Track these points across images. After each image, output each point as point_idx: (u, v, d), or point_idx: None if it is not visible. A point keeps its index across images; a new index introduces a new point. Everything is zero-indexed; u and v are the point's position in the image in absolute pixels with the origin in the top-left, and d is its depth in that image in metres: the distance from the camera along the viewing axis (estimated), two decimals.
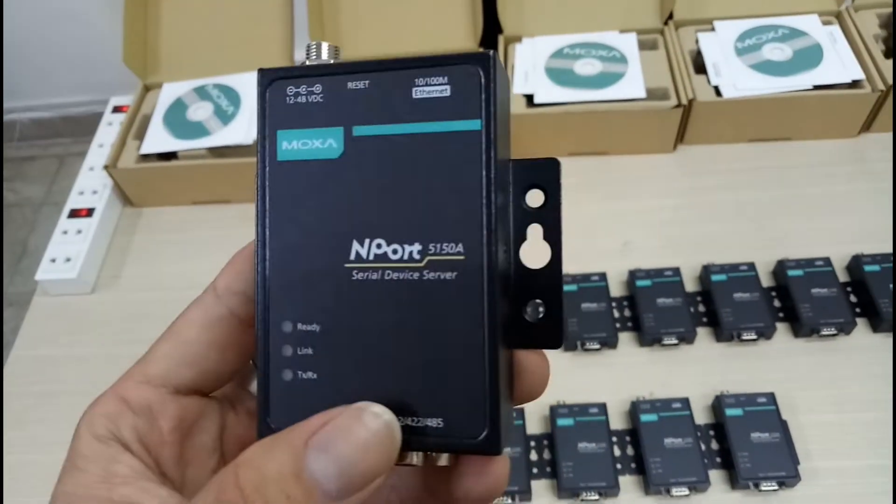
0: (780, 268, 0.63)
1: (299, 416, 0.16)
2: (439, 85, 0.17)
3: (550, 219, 0.17)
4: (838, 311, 0.60)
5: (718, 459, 0.55)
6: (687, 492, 0.53)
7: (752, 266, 0.63)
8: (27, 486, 0.60)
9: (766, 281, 0.63)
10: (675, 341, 0.60)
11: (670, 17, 0.78)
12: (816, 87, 0.70)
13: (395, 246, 0.17)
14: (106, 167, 0.74)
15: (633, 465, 0.55)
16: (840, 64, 0.71)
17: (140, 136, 0.77)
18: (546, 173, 0.18)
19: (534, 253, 0.17)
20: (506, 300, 0.17)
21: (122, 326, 0.69)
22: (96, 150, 0.80)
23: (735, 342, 0.61)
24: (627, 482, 0.54)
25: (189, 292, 0.75)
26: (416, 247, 0.17)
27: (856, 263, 0.63)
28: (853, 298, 0.62)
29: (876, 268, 0.62)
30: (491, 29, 0.78)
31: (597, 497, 0.53)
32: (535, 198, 0.17)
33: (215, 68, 0.80)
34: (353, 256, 0.17)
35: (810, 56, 0.72)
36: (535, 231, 0.17)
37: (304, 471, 0.15)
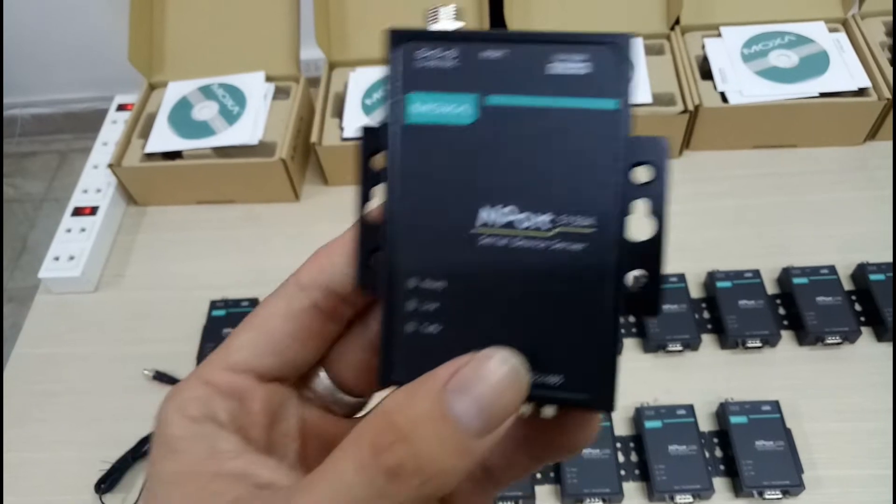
0: (785, 275, 0.63)
1: (422, 367, 0.17)
2: (578, 62, 0.17)
3: (657, 194, 0.18)
4: (843, 319, 0.60)
5: (722, 467, 0.55)
6: (691, 499, 0.53)
7: (757, 273, 0.63)
8: (29, 485, 0.60)
9: (770, 288, 0.63)
10: (679, 348, 0.60)
11: (677, 22, 0.78)
12: (822, 95, 0.70)
13: (525, 214, 0.17)
14: (110, 166, 0.74)
15: (636, 472, 0.55)
16: (846, 72, 0.71)
17: (145, 134, 0.76)
18: (654, 150, 0.17)
19: (637, 226, 0.18)
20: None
21: (125, 325, 0.69)
22: (100, 149, 0.80)
23: (740, 349, 0.61)
24: (631, 489, 0.54)
25: (193, 292, 0.75)
26: (547, 217, 0.17)
27: (861, 272, 0.63)
28: (858, 307, 0.62)
29: (881, 276, 0.62)
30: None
31: (601, 503, 0.53)
32: (642, 173, 0.18)
33: (221, 68, 0.80)
34: (480, 222, 0.18)
35: (816, 63, 0.72)
36: (639, 206, 0.18)
37: (448, 412, 0.16)
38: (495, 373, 0.16)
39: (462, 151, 0.18)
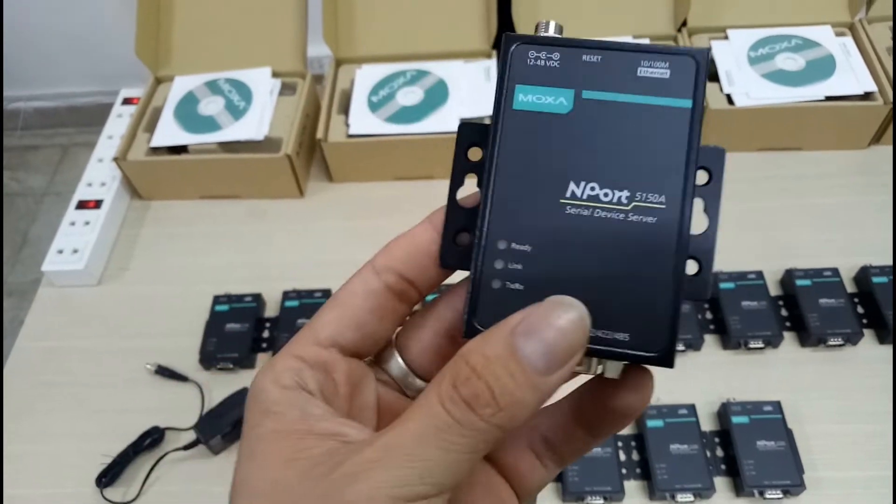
0: (788, 277, 0.63)
1: (502, 318, 0.19)
2: (661, 68, 0.20)
3: (712, 195, 0.21)
4: (845, 321, 0.60)
5: (723, 466, 0.55)
6: (692, 498, 0.53)
7: (760, 274, 0.63)
8: (30, 478, 0.60)
9: (773, 290, 0.63)
10: (682, 348, 0.61)
11: (684, 24, 0.78)
12: (828, 98, 0.70)
13: (607, 190, 0.20)
14: (115, 159, 0.74)
15: (638, 471, 0.55)
16: (852, 76, 0.71)
17: (150, 128, 0.77)
18: (714, 158, 0.21)
19: (695, 221, 0.21)
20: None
21: (127, 319, 0.69)
22: (105, 142, 0.80)
23: (742, 350, 0.61)
24: (632, 487, 0.54)
25: (196, 287, 0.75)
26: (625, 193, 0.20)
27: (864, 274, 0.63)
28: (860, 309, 0.62)
29: (884, 279, 0.62)
30: (505, 30, 0.78)
31: (602, 501, 0.53)
32: (701, 177, 0.21)
33: (227, 63, 0.80)
34: (568, 194, 0.20)
35: (823, 67, 0.72)
36: (697, 204, 0.21)
37: (518, 352, 0.18)
38: (560, 318, 0.18)
39: (557, 135, 0.20)
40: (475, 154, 0.22)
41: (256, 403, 0.21)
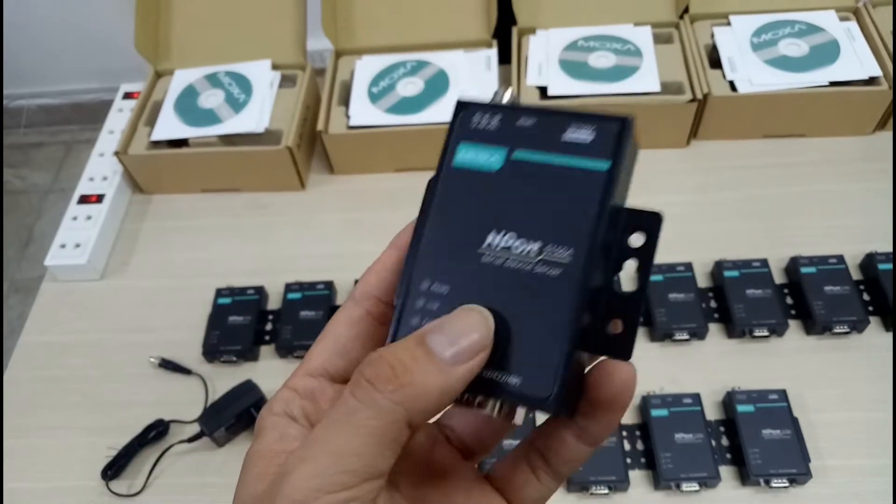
0: (793, 265, 0.62)
1: None
2: (586, 133, 0.21)
3: (645, 258, 0.21)
4: (851, 309, 0.59)
5: (729, 455, 0.55)
6: (697, 487, 0.53)
7: (764, 262, 0.62)
8: (35, 471, 0.60)
9: (778, 278, 0.63)
10: (686, 337, 0.60)
11: (686, 10, 0.77)
12: (832, 84, 0.69)
13: (521, 242, 0.21)
14: (116, 153, 0.74)
15: (642, 460, 0.55)
16: (857, 60, 0.70)
17: (151, 122, 0.76)
18: (649, 222, 0.21)
19: (626, 281, 0.22)
20: (593, 311, 0.21)
21: (130, 313, 0.69)
22: (106, 137, 0.80)
23: (747, 339, 0.60)
24: (637, 477, 0.54)
25: (198, 280, 0.75)
26: (537, 246, 0.21)
27: (869, 262, 0.62)
28: (866, 297, 0.62)
29: (889, 266, 0.61)
30: (505, 20, 0.78)
31: (606, 491, 0.53)
32: (636, 239, 0.22)
33: (227, 56, 0.80)
34: (486, 244, 0.22)
35: (827, 52, 0.72)
36: (630, 265, 0.22)
37: (425, 342, 0.20)
38: (464, 318, 0.20)
39: (485, 190, 0.22)
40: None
41: (256, 428, 0.23)
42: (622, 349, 0.21)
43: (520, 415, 0.21)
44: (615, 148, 0.21)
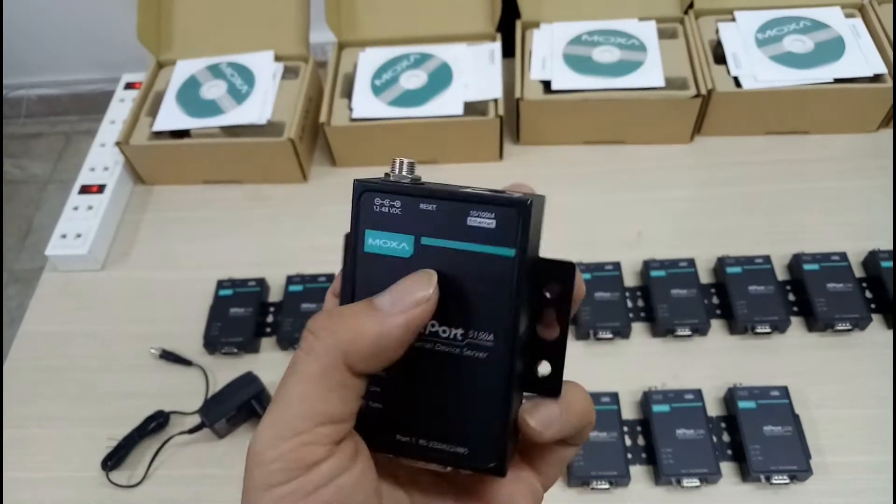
0: (796, 262, 0.62)
1: (371, 434, 0.23)
2: (488, 219, 0.22)
3: (563, 306, 0.23)
4: (853, 306, 0.59)
5: (730, 452, 0.55)
6: (698, 483, 0.53)
7: (767, 259, 0.62)
8: (35, 461, 0.60)
9: (781, 274, 0.63)
10: (688, 332, 0.60)
11: (691, 5, 0.77)
12: (837, 81, 0.69)
13: (445, 327, 0.23)
14: (118, 144, 0.74)
15: (643, 456, 0.55)
16: (862, 57, 0.70)
17: (153, 113, 0.76)
18: (564, 273, 0.23)
19: (547, 328, 0.24)
20: (522, 359, 0.23)
21: (131, 304, 0.69)
22: (108, 127, 0.80)
23: (749, 335, 0.60)
24: (638, 472, 0.54)
25: (200, 271, 0.75)
26: (460, 330, 0.23)
27: (872, 259, 0.62)
28: (868, 294, 0.62)
29: (892, 263, 0.61)
30: (509, 14, 0.78)
31: (607, 486, 0.53)
32: (553, 289, 0.23)
33: (229, 47, 0.80)
34: None
35: (832, 49, 0.71)
36: (549, 312, 0.23)
37: (372, 301, 0.22)
38: (411, 279, 0.22)
39: (402, 276, 0.22)
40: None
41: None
42: (551, 388, 0.23)
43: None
44: (518, 233, 0.22)
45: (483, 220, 0.22)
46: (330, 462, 0.20)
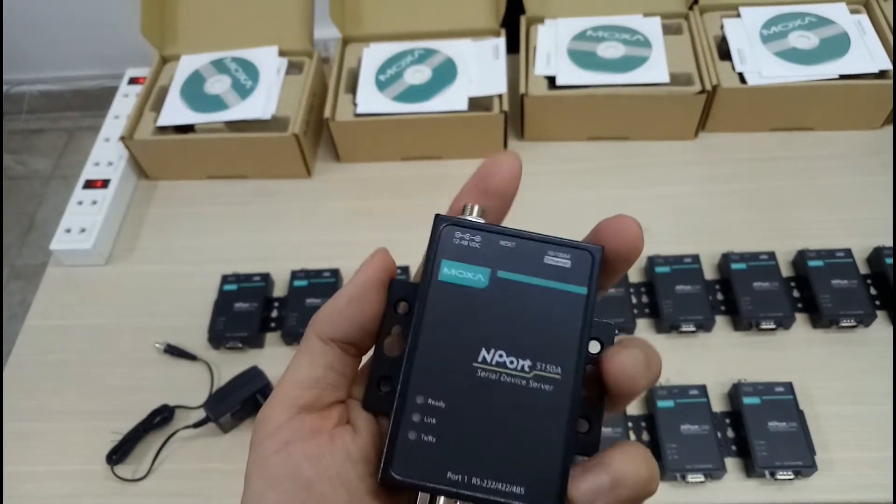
0: (801, 258, 0.62)
1: (417, 469, 0.22)
2: (564, 258, 0.24)
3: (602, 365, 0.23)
4: (858, 302, 0.59)
5: (734, 447, 0.55)
6: (702, 478, 0.53)
7: (772, 255, 0.62)
8: (40, 455, 0.60)
9: (785, 271, 0.63)
10: (693, 328, 0.60)
11: (695, 1, 0.77)
12: (842, 77, 0.69)
13: (513, 358, 0.23)
14: (122, 138, 0.74)
15: None
16: (867, 54, 0.70)
17: (157, 108, 0.76)
18: (605, 331, 0.24)
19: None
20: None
21: (136, 298, 0.69)
22: (112, 122, 0.80)
23: (753, 331, 0.60)
24: None
25: (204, 266, 0.75)
26: (528, 362, 0.23)
27: (877, 256, 0.62)
28: (873, 291, 0.62)
29: None
30: (514, 9, 0.77)
31: None
32: (594, 346, 0.24)
33: (233, 41, 0.80)
34: (480, 359, 0.23)
35: (837, 45, 0.71)
36: (590, 369, 0.24)
37: None
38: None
39: (474, 306, 0.23)
40: (403, 308, 0.25)
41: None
42: (590, 447, 0.23)
43: None
44: (590, 275, 0.23)
45: (560, 260, 0.24)
46: (289, 427, 0.22)
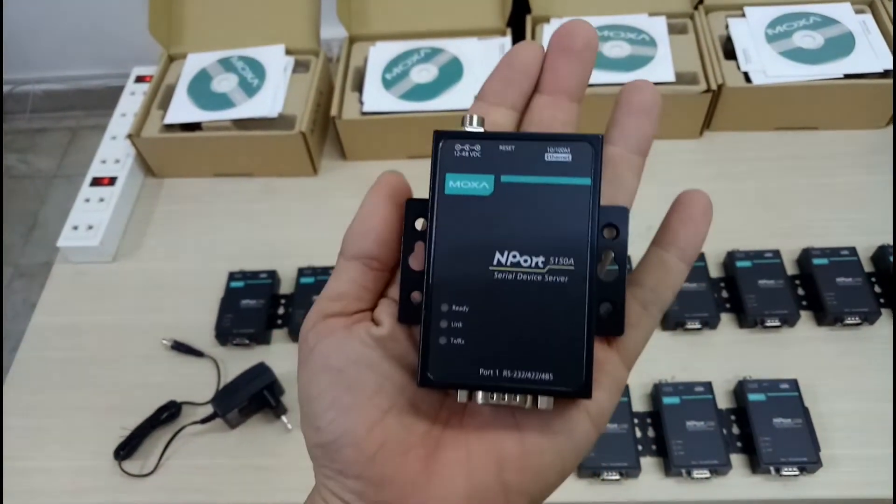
0: (805, 256, 0.63)
1: (450, 370, 0.23)
2: (564, 153, 0.24)
3: (619, 248, 0.24)
4: (862, 300, 0.60)
5: (740, 444, 0.55)
6: (708, 474, 0.53)
7: (777, 253, 0.63)
8: (48, 451, 0.60)
9: (790, 269, 0.63)
10: (698, 326, 0.60)
11: (701, 1, 0.77)
12: (847, 76, 0.69)
13: (527, 256, 0.24)
14: (129, 136, 0.74)
15: (654, 447, 0.55)
16: (872, 53, 0.70)
17: (164, 106, 0.76)
18: (619, 216, 0.24)
19: (605, 270, 0.25)
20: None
21: (143, 295, 0.69)
22: (119, 120, 0.80)
23: (758, 329, 0.61)
24: (648, 463, 0.55)
25: (211, 263, 0.75)
26: (541, 258, 0.24)
27: (881, 254, 0.63)
28: (878, 289, 0.62)
29: None
30: (519, 8, 0.78)
31: (618, 477, 0.53)
32: (608, 232, 0.24)
33: (240, 40, 0.80)
34: (495, 262, 0.24)
35: (842, 44, 0.72)
36: (607, 254, 0.25)
37: None
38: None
39: (482, 213, 0.24)
40: (420, 224, 0.25)
41: None
42: (615, 327, 0.24)
43: (544, 401, 0.23)
44: (593, 164, 0.24)
45: (560, 155, 0.24)
46: (319, 326, 0.24)
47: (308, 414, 0.24)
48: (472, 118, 0.25)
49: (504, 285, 0.24)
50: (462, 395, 0.23)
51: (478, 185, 0.24)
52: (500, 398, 0.23)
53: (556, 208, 0.24)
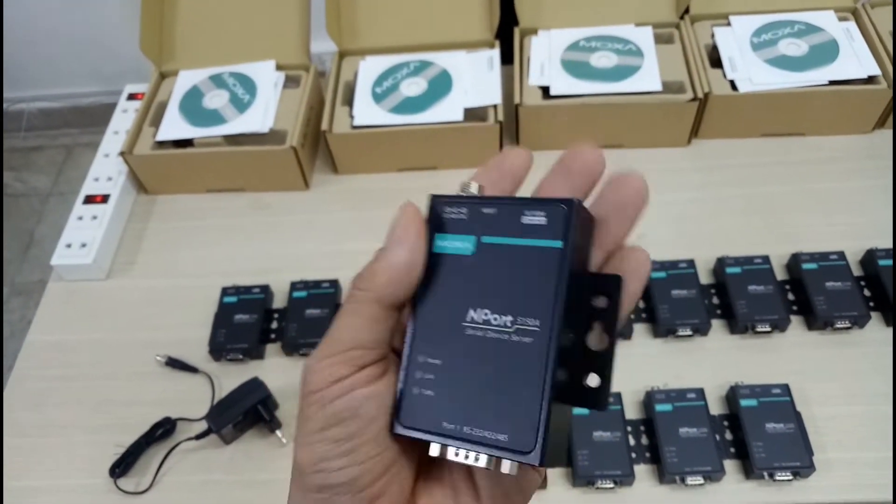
0: (795, 261, 0.63)
1: (418, 420, 0.24)
2: (540, 216, 0.25)
3: (610, 318, 0.24)
4: (852, 304, 0.60)
5: (733, 449, 0.55)
6: (702, 481, 0.53)
7: (766, 259, 0.63)
8: (44, 469, 0.60)
9: (780, 274, 0.64)
10: (689, 332, 0.61)
11: (686, 11, 0.78)
12: (832, 83, 0.70)
13: (496, 315, 0.25)
14: (122, 154, 0.75)
15: (647, 455, 0.55)
16: (856, 60, 0.71)
17: (155, 123, 0.77)
18: (610, 286, 0.24)
19: (596, 340, 0.25)
20: (569, 369, 0.24)
21: (137, 312, 0.69)
22: (111, 137, 0.80)
23: (749, 334, 0.61)
24: (642, 471, 0.55)
25: (204, 279, 0.76)
26: (509, 318, 0.24)
27: (870, 258, 0.63)
28: (867, 292, 0.62)
29: (890, 262, 0.62)
30: (507, 21, 0.79)
31: (612, 485, 0.53)
32: (600, 301, 0.24)
33: (231, 56, 0.81)
34: (468, 318, 0.25)
35: (826, 52, 0.72)
36: (597, 325, 0.25)
37: (383, 249, 0.25)
38: (396, 218, 0.25)
39: (462, 272, 0.25)
40: None
41: None
42: (598, 400, 0.24)
43: (506, 465, 0.23)
44: (565, 227, 0.24)
45: (535, 218, 0.25)
46: (351, 378, 0.24)
47: (314, 453, 0.24)
48: (470, 184, 0.27)
49: (474, 342, 0.25)
50: (434, 450, 0.24)
51: (461, 244, 0.26)
52: (465, 458, 0.24)
53: (527, 269, 0.24)
